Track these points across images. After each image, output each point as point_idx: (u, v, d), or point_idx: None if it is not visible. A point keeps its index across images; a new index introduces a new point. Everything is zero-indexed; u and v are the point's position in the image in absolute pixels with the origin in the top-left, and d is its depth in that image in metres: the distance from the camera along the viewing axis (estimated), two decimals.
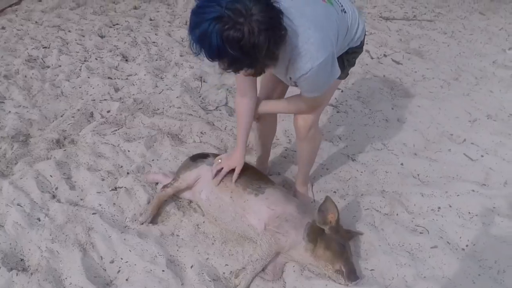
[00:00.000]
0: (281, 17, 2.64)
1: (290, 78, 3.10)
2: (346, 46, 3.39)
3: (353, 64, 3.63)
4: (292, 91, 3.46)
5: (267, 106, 3.63)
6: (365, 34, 3.55)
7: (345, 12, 3.24)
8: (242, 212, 3.64)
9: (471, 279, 3.53)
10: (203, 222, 3.88)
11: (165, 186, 3.97)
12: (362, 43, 3.54)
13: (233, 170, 3.73)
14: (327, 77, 3.07)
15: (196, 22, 2.53)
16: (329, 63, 2.97)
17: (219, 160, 3.79)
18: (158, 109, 5.40)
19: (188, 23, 2.62)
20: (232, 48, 2.50)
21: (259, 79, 3.41)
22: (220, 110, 5.41)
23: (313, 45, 2.86)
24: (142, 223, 3.79)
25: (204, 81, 5.99)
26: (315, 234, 3.42)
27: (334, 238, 3.38)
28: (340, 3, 3.23)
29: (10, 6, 8.36)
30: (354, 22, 3.34)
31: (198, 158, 4.04)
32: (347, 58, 3.47)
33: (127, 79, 6.03)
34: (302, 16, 2.88)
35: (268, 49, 2.58)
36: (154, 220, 3.87)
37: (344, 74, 3.58)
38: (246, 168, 3.79)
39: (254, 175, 3.81)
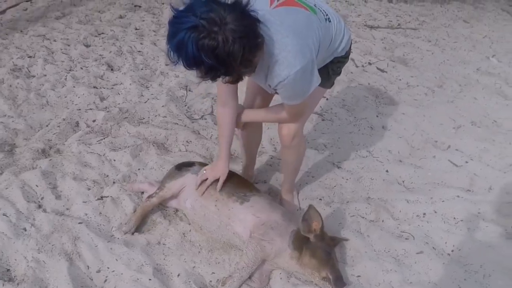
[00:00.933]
0: (257, 25, 2.67)
1: (270, 85, 3.12)
2: (331, 56, 3.42)
3: (338, 74, 3.65)
4: (277, 100, 3.47)
5: (249, 116, 3.66)
6: (351, 44, 3.57)
7: (329, 21, 3.25)
8: (227, 220, 3.65)
9: (457, 284, 3.57)
10: (190, 230, 3.89)
11: (150, 196, 3.96)
12: (347, 53, 3.57)
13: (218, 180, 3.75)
14: (306, 85, 3.08)
15: (173, 32, 2.56)
16: (308, 71, 2.99)
17: (204, 171, 3.79)
18: (144, 118, 5.40)
19: (166, 33, 2.65)
20: (207, 57, 2.52)
21: (240, 87, 3.43)
22: (205, 119, 5.41)
23: (291, 52, 2.88)
24: (125, 233, 3.79)
25: (189, 90, 6.00)
26: (300, 242, 3.44)
27: (320, 246, 3.39)
28: (325, 12, 3.24)
29: None
30: (339, 32, 3.36)
31: (183, 166, 4.04)
32: (332, 67, 3.49)
33: (112, 88, 6.02)
34: (281, 24, 2.90)
35: (243, 57, 2.60)
36: (139, 229, 3.87)
37: (329, 84, 3.61)
38: (231, 176, 3.81)
39: (239, 183, 3.82)
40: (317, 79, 3.10)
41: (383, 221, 4.15)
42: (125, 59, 6.78)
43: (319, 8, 3.21)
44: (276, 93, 3.24)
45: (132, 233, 3.80)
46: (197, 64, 2.59)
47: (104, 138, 4.93)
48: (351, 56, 6.49)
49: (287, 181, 4.16)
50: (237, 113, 3.61)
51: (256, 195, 3.74)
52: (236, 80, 2.97)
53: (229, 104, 3.50)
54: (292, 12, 3.03)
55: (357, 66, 6.89)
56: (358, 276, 3.61)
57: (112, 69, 6.52)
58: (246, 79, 3.28)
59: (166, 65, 6.60)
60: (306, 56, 2.94)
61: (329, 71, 3.48)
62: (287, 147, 3.72)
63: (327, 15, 3.25)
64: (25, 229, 3.75)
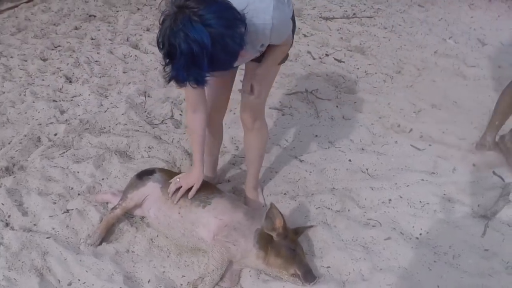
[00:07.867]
0: None
1: (262, 45, 3.15)
2: None
3: (291, 45, 3.63)
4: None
5: None
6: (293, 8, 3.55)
7: None
8: (191, 227, 3.65)
9: (427, 267, 3.62)
10: (157, 236, 3.89)
11: (113, 208, 3.95)
12: (293, 17, 3.54)
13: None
14: (284, 11, 3.12)
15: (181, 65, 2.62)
16: (279, 1, 3.03)
17: (177, 179, 3.76)
18: (105, 128, 5.37)
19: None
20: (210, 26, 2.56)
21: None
22: (166, 123, 5.40)
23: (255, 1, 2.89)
24: (91, 246, 3.77)
25: (148, 96, 5.96)
26: (265, 241, 3.47)
27: (283, 244, 3.43)
28: None
29: None
30: None
31: (144, 175, 4.02)
32: None
33: (72, 100, 5.96)
34: None
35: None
36: (107, 239, 3.86)
37: (284, 59, 3.59)
38: None
39: (200, 187, 3.76)
40: (289, 10, 3.24)
41: (349, 210, 4.19)
42: (83, 70, 6.71)
43: None
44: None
45: (97, 246, 3.79)
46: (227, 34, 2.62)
47: (66, 151, 4.89)
48: (307, 48, 6.54)
49: (251, 176, 4.17)
50: (207, 116, 3.61)
51: (217, 197, 3.75)
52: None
53: (199, 109, 3.48)
54: None
55: (314, 59, 6.88)
56: (328, 267, 3.64)
57: (70, 81, 6.46)
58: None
59: (124, 72, 6.54)
60: None
61: None
62: (250, 130, 3.78)
63: None
64: None
